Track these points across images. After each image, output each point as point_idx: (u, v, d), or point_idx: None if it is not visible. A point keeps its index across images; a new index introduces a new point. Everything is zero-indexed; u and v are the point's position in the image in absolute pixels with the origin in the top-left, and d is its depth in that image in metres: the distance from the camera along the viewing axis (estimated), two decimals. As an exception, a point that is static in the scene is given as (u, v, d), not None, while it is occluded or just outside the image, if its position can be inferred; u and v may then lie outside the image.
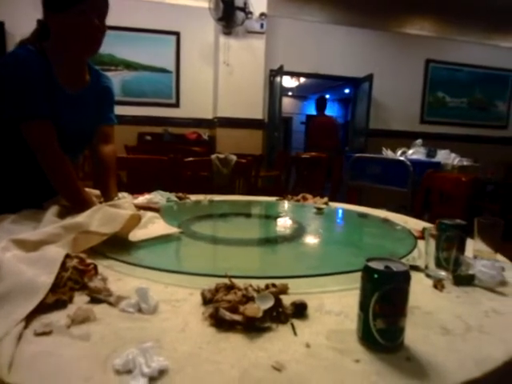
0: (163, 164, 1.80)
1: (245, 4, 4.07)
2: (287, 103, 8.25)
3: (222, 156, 1.96)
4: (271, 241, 1.04)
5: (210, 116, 4.66)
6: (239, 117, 4.33)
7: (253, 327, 0.48)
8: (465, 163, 3.06)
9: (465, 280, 0.70)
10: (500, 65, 5.70)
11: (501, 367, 0.45)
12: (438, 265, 0.72)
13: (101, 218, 0.82)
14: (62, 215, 0.92)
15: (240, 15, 4.10)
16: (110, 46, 4.14)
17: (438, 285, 0.68)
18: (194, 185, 1.88)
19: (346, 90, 8.10)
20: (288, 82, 7.50)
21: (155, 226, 0.92)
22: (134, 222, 0.84)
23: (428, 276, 0.72)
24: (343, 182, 3.24)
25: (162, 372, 0.39)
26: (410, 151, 3.35)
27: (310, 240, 1.05)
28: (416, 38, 5.37)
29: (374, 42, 5.22)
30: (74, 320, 0.49)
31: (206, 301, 0.55)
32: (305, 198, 1.45)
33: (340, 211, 1.41)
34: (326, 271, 0.68)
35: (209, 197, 1.49)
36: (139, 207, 1.05)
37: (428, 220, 1.32)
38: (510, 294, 0.67)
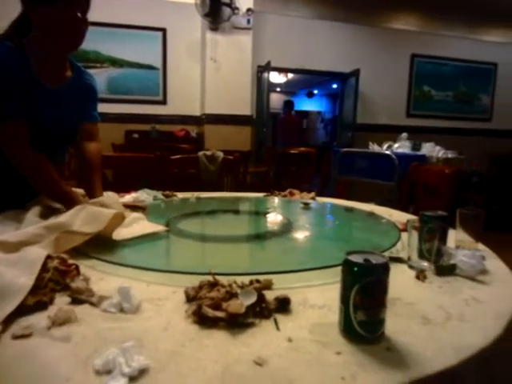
0: (150, 162, 1.79)
1: (231, 0, 4.05)
2: (275, 99, 8.25)
3: (209, 153, 1.95)
4: (258, 237, 1.04)
5: (197, 113, 4.63)
6: (227, 113, 4.32)
7: (236, 323, 0.49)
8: (449, 155, 3.11)
9: (446, 270, 0.71)
10: (483, 58, 5.80)
11: (478, 354, 0.46)
12: (421, 256, 0.73)
13: (84, 218, 0.81)
14: (44, 215, 0.90)
15: (226, 11, 4.07)
16: (96, 42, 4.06)
17: (421, 276, 0.69)
18: (181, 182, 1.87)
19: (334, 85, 8.13)
20: (276, 77, 7.50)
21: (140, 225, 0.91)
22: (118, 220, 0.83)
23: (411, 267, 0.73)
24: (331, 177, 3.26)
25: (142, 371, 0.39)
26: (396, 145, 3.39)
27: (297, 235, 1.06)
28: (401, 32, 5.42)
29: (359, 37, 5.25)
30: (55, 321, 0.49)
31: (190, 298, 0.55)
32: (292, 194, 1.45)
33: (326, 206, 1.42)
34: (311, 266, 0.68)
35: (196, 194, 1.48)
36: (125, 206, 1.04)
37: (413, 212, 1.34)
38: (489, 282, 0.68)
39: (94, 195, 1.06)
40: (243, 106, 4.38)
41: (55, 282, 0.58)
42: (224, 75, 4.24)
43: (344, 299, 0.46)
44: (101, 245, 0.77)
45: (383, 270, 0.46)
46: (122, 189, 1.40)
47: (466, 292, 0.63)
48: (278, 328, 0.49)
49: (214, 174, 1.95)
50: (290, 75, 7.60)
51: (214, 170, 1.95)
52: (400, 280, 0.68)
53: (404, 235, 0.89)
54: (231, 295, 0.52)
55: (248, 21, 4.25)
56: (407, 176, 1.73)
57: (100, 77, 4.17)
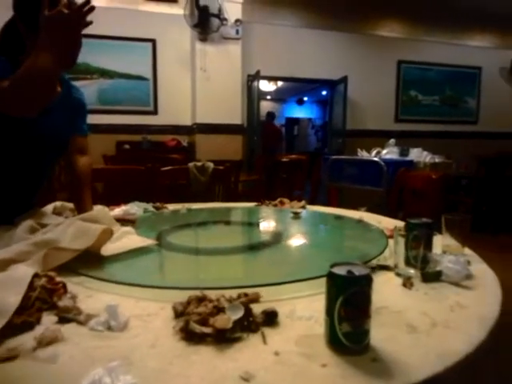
0: (140, 174, 1.78)
1: (219, 11, 4.09)
2: (266, 107, 8.33)
3: (199, 164, 1.96)
4: (247, 249, 1.05)
5: (188, 122, 4.64)
6: (218, 122, 4.33)
7: (223, 338, 0.49)
8: (436, 160, 3.16)
9: (432, 276, 0.72)
10: (468, 63, 5.92)
11: (463, 360, 0.47)
12: (408, 263, 0.74)
13: (73, 233, 0.81)
14: (33, 231, 0.90)
15: (215, 22, 4.12)
16: (86, 54, 3.99)
17: (407, 283, 0.70)
18: (172, 193, 1.87)
19: (324, 92, 8.23)
20: (266, 86, 7.58)
21: (129, 239, 0.91)
22: (107, 236, 0.83)
23: (398, 275, 0.74)
24: (322, 184, 3.29)
25: (129, 391, 0.39)
26: (384, 151, 3.43)
27: (286, 246, 1.07)
28: (387, 39, 5.52)
29: (347, 45, 5.33)
30: (41, 342, 0.48)
31: (178, 314, 0.55)
32: (282, 203, 1.46)
33: (316, 215, 1.43)
34: (299, 277, 0.69)
35: (187, 205, 1.48)
36: (115, 219, 1.04)
37: (402, 218, 1.36)
38: (473, 286, 0.70)
39: (85, 210, 1.06)
40: (234, 115, 4.41)
41: (42, 301, 0.58)
42: (214, 85, 4.27)
43: (329, 311, 0.47)
44: (89, 261, 0.77)
45: (366, 281, 0.46)
46: (112, 201, 1.39)
47: (451, 298, 0.64)
48: (265, 342, 0.49)
49: (205, 185, 1.96)
50: (280, 83, 7.68)
51: (204, 180, 1.95)
52: (387, 288, 0.69)
53: (392, 242, 0.90)
54: (218, 310, 0.52)
55: (237, 31, 4.30)
56: (395, 182, 1.75)
57: (90, 88, 4.17)
